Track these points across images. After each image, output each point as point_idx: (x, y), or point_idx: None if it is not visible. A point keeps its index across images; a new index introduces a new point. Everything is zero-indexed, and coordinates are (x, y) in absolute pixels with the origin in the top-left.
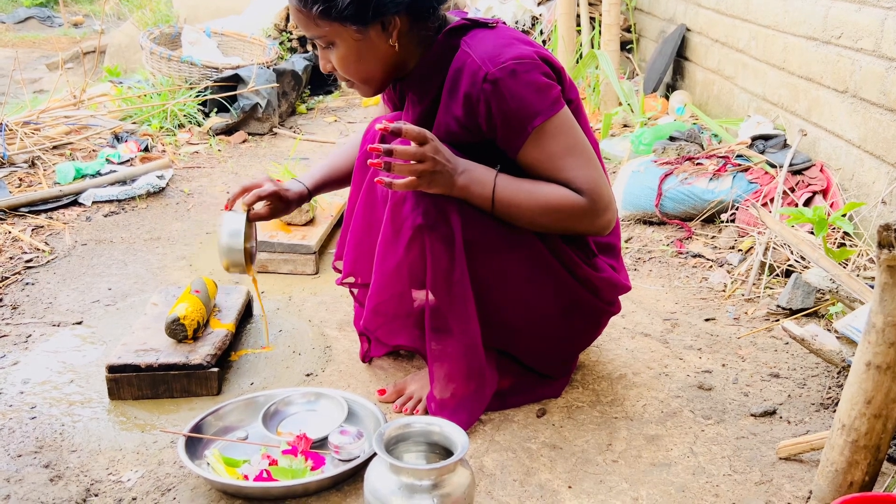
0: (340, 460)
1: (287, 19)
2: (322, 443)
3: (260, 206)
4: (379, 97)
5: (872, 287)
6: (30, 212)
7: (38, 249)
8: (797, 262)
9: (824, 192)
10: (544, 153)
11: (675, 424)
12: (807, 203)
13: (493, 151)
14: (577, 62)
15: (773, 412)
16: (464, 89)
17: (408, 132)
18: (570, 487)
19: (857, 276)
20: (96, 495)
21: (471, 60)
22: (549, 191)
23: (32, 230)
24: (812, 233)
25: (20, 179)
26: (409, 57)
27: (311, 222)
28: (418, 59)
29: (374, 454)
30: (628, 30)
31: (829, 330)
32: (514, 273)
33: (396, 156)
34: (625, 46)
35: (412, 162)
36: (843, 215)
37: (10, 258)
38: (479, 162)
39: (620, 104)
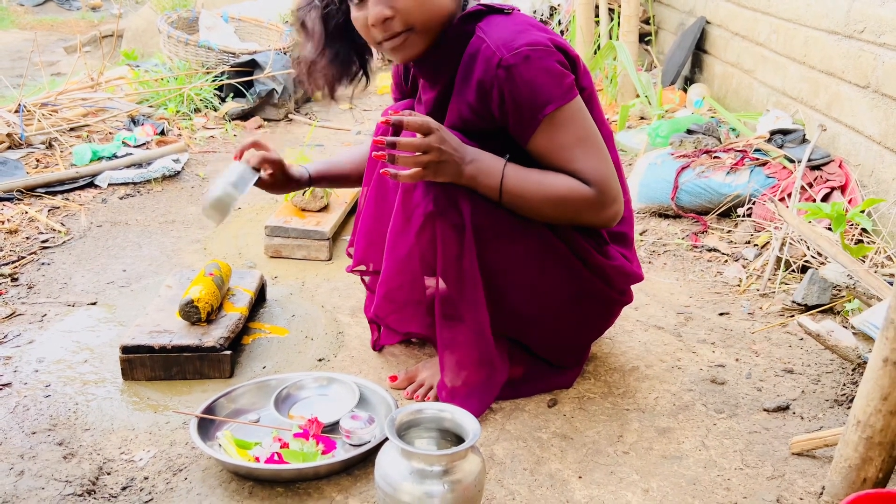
0: (351, 445)
1: None
2: (333, 427)
3: (264, 174)
4: (389, 87)
5: (891, 283)
6: (46, 193)
7: (54, 230)
8: (813, 258)
9: (843, 188)
10: (555, 142)
11: (688, 417)
12: (825, 199)
13: (507, 139)
14: (595, 53)
15: (787, 407)
16: (477, 75)
17: (410, 123)
18: (580, 478)
19: (875, 272)
20: (109, 473)
21: (485, 46)
22: (557, 181)
23: (49, 211)
24: (829, 229)
25: (37, 160)
26: (447, 26)
27: (325, 209)
28: (434, 44)
29: (385, 440)
30: (647, 21)
31: (845, 326)
32: (525, 260)
33: (400, 148)
34: (643, 38)
35: (417, 153)
36: (862, 211)
37: (27, 238)
38: (492, 149)
39: (638, 96)
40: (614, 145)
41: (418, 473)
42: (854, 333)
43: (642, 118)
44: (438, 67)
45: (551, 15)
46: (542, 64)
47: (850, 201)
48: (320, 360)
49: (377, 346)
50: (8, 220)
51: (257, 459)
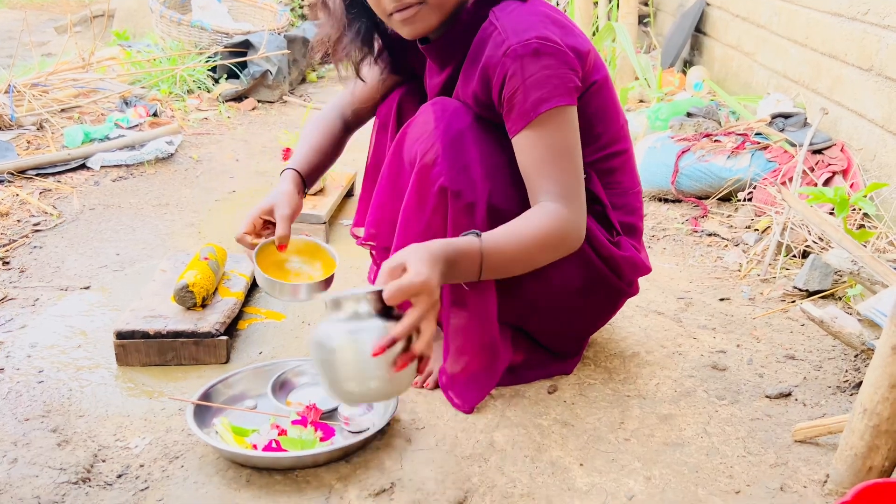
0: (350, 432)
1: None
2: (331, 414)
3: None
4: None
5: None
6: (38, 175)
7: (46, 213)
8: (815, 243)
9: (844, 173)
10: (542, 142)
11: (689, 404)
12: (826, 183)
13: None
14: (594, 35)
15: (789, 394)
16: (483, 61)
17: (391, 300)
18: (581, 465)
19: (878, 258)
20: (104, 461)
21: (497, 33)
22: (528, 223)
23: (40, 193)
24: (831, 213)
25: (28, 142)
26: (460, 8)
27: (321, 192)
28: (447, 25)
29: (384, 427)
30: (646, 3)
31: (847, 312)
32: None
33: (400, 338)
34: (642, 20)
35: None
36: (865, 196)
37: (18, 221)
38: (498, 137)
39: (637, 79)
40: (629, 134)
41: (347, 318)
42: (859, 320)
43: (641, 101)
44: (448, 51)
45: None
46: (549, 60)
47: (851, 186)
48: None
49: None
50: None
51: (255, 447)
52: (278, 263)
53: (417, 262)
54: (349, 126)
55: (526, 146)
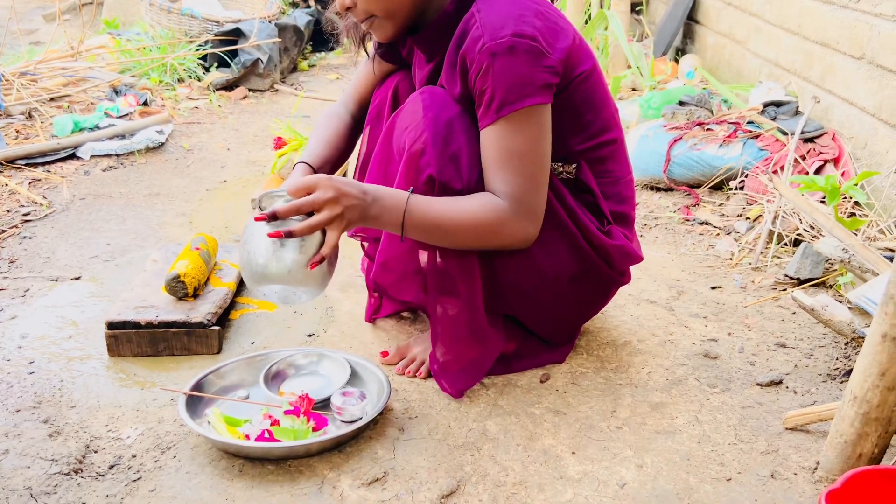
0: (343, 422)
1: None
2: (324, 404)
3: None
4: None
5: (888, 258)
6: (27, 164)
7: (36, 203)
8: (806, 231)
9: (836, 161)
10: (501, 142)
11: (681, 392)
12: (817, 171)
13: None
14: (586, 23)
15: (780, 382)
16: (461, 54)
17: (291, 193)
18: (573, 453)
19: (868, 246)
20: (96, 452)
21: (476, 27)
22: (466, 203)
23: (30, 183)
24: (823, 202)
25: (17, 131)
26: (429, 4)
27: None
28: (434, 14)
29: (377, 416)
30: None
31: (838, 300)
32: None
33: (283, 216)
34: (634, 8)
35: (314, 219)
36: (856, 184)
37: (8, 211)
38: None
39: (629, 67)
40: (619, 123)
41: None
42: (850, 308)
43: (634, 89)
44: (434, 41)
45: None
46: (522, 59)
47: (843, 174)
48: (310, 335)
49: (375, 316)
50: None
51: (247, 437)
52: None
53: (332, 175)
54: (356, 118)
55: (487, 143)
